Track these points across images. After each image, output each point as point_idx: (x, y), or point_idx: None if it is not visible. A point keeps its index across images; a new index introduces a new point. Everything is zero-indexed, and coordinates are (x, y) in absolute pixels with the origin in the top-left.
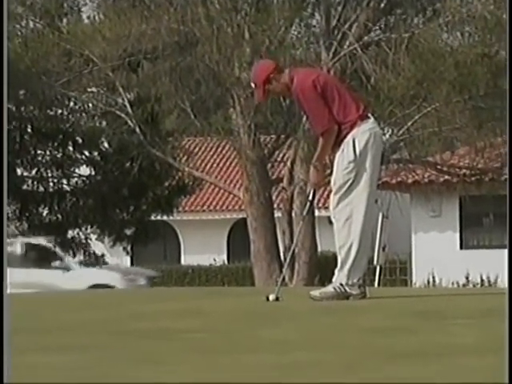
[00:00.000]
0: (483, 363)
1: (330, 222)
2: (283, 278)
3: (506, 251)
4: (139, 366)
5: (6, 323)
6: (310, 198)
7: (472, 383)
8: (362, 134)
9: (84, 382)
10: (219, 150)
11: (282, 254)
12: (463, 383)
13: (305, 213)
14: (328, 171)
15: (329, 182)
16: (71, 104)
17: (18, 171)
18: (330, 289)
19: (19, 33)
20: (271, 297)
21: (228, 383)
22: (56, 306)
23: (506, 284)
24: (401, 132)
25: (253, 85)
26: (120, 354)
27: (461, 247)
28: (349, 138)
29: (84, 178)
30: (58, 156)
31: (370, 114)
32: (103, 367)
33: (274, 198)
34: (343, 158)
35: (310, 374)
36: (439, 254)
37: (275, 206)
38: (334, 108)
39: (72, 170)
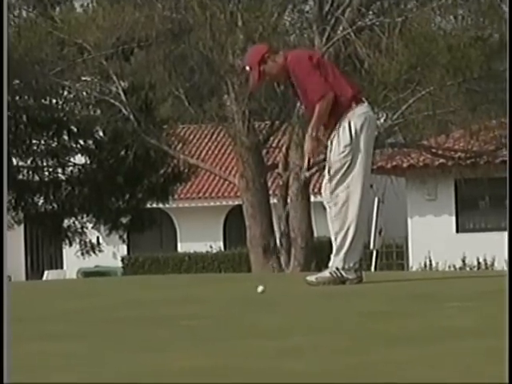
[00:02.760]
0: (483, 345)
1: (325, 208)
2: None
3: (503, 234)
4: (137, 354)
5: (6, 321)
6: (305, 166)
7: (472, 366)
8: (357, 118)
9: (81, 370)
10: (214, 136)
11: (277, 240)
12: (463, 366)
13: (302, 176)
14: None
15: (323, 152)
16: (65, 93)
17: (14, 161)
18: (326, 274)
19: (12, 22)
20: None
21: (227, 369)
22: (52, 294)
23: (506, 267)
24: (395, 116)
25: (247, 68)
26: (118, 341)
27: (457, 230)
28: (344, 121)
29: (79, 167)
30: (53, 145)
31: (364, 99)
32: (101, 355)
33: (269, 184)
34: (339, 142)
35: (308, 359)
36: (435, 237)
37: (271, 192)
38: (328, 83)
39: (67, 158)
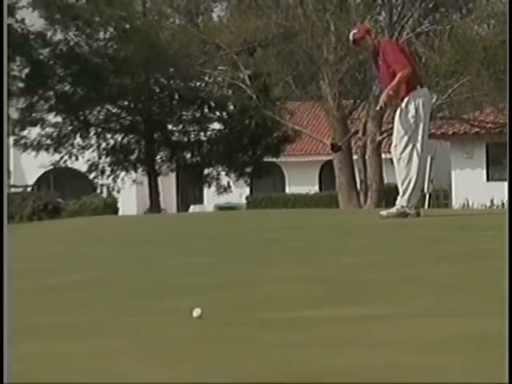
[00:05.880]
0: (502, 265)
1: (392, 162)
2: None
3: None
4: (259, 266)
5: (7, 321)
6: (378, 108)
7: (491, 278)
8: (420, 97)
9: (221, 273)
10: (313, 110)
11: (358, 185)
12: (491, 279)
13: (377, 108)
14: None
15: (391, 109)
16: (206, 78)
17: (169, 127)
18: (394, 210)
19: (168, 27)
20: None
21: (320, 278)
22: (196, 222)
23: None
24: (444, 97)
25: (355, 33)
26: (247, 257)
27: (487, 180)
28: (411, 98)
29: (216, 131)
30: (197, 115)
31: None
32: (236, 266)
33: (352, 145)
34: (406, 114)
35: (379, 271)
36: (471, 184)
37: (353, 151)
38: (409, 62)
39: (207, 125)
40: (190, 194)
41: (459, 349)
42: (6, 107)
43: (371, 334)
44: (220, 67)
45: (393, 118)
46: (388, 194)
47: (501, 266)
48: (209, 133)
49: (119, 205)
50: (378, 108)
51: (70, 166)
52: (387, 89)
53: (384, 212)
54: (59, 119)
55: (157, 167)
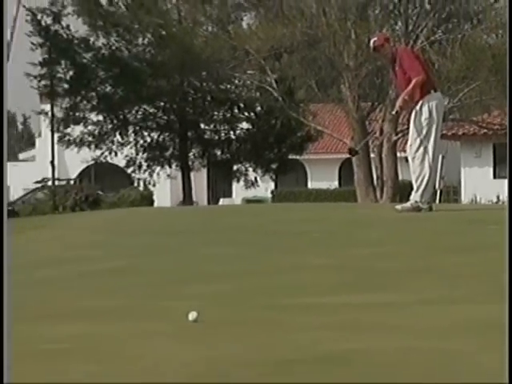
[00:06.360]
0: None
1: (406, 160)
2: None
3: None
4: (284, 255)
5: (6, 321)
6: (394, 112)
7: (493, 270)
8: (433, 100)
9: (246, 262)
10: (334, 112)
11: (375, 181)
12: (498, 269)
13: (393, 112)
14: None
15: (407, 111)
16: (236, 81)
17: (201, 126)
18: (408, 204)
19: (202, 34)
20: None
21: (338, 267)
22: (224, 213)
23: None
24: (455, 100)
25: (375, 41)
26: (270, 247)
27: (494, 177)
28: (425, 101)
29: (244, 131)
30: (227, 116)
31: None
32: (258, 255)
33: (369, 143)
34: (421, 116)
35: (396, 261)
36: (479, 181)
37: (370, 149)
38: (424, 69)
39: (236, 125)
40: (219, 188)
41: (470, 333)
42: (6, 107)
43: (386, 320)
44: (249, 71)
45: (408, 120)
46: (402, 190)
47: (501, 258)
48: (238, 132)
49: (154, 197)
50: (393, 112)
51: (109, 161)
52: (402, 94)
53: (399, 206)
54: (100, 118)
55: (190, 163)
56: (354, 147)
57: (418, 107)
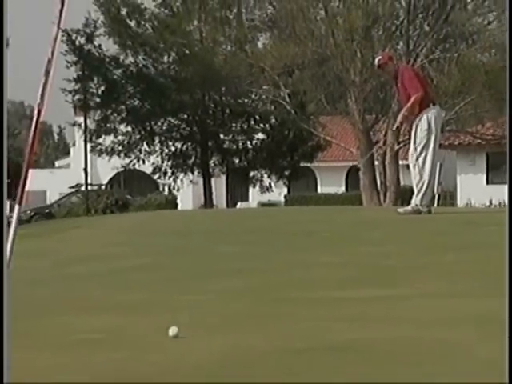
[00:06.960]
0: (500, 254)
1: (408, 168)
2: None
3: None
4: (293, 253)
5: (6, 320)
6: (395, 127)
7: (489, 269)
8: (432, 113)
9: (257, 260)
10: (341, 123)
11: (378, 187)
12: (493, 266)
13: (394, 128)
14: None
15: (407, 124)
16: (252, 96)
17: (221, 136)
18: (409, 207)
19: (221, 53)
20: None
21: (344, 263)
22: (242, 216)
23: None
24: (451, 113)
25: (380, 57)
26: (279, 246)
27: (487, 183)
28: (425, 114)
29: (260, 140)
30: (245, 127)
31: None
32: (270, 255)
33: (374, 152)
34: (421, 128)
35: (399, 258)
36: (474, 187)
37: (375, 157)
38: (422, 86)
39: (253, 135)
40: (237, 192)
41: (468, 325)
42: (6, 107)
43: (391, 312)
44: (264, 86)
45: (409, 131)
46: (404, 194)
47: (500, 255)
48: (254, 141)
49: (178, 201)
50: (394, 128)
51: (137, 168)
52: (402, 110)
53: (401, 209)
54: (129, 129)
55: (210, 170)
56: (357, 165)
57: (418, 119)
